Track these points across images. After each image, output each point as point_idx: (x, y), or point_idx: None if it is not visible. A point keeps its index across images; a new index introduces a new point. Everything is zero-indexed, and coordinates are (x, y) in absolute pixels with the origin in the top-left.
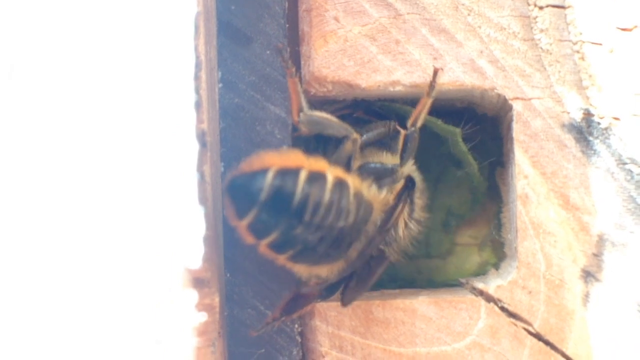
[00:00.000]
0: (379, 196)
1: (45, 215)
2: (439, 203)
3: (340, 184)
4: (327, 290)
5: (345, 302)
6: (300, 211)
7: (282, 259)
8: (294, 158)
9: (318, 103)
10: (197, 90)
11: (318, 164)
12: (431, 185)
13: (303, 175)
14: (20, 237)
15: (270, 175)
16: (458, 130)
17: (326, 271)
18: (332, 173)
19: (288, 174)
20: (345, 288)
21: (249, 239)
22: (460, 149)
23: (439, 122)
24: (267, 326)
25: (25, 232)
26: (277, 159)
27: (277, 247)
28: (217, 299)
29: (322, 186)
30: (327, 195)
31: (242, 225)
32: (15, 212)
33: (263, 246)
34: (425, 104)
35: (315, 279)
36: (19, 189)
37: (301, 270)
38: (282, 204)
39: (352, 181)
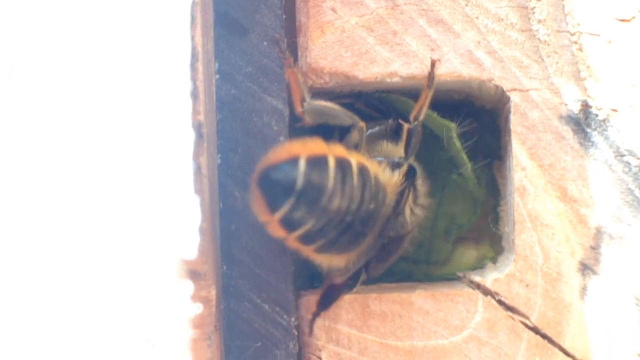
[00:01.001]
0: (391, 179)
1: (43, 208)
2: (443, 210)
3: (362, 169)
4: (351, 282)
5: (373, 275)
6: (332, 197)
7: (309, 251)
8: (317, 146)
9: (315, 95)
10: (194, 81)
11: (339, 150)
12: (437, 192)
13: (332, 162)
14: (16, 233)
15: (302, 164)
16: (453, 126)
17: (345, 260)
18: (354, 158)
19: (317, 161)
20: (366, 268)
21: (280, 233)
22: (454, 147)
23: (435, 115)
24: (312, 326)
25: (23, 227)
26: (302, 148)
27: (308, 238)
28: (213, 292)
29: (350, 171)
30: (355, 180)
31: (274, 219)
32: (14, 209)
33: (292, 239)
34: (427, 97)
35: (336, 269)
36: (18, 187)
37: (324, 261)
38: (317, 192)
39: (371, 165)
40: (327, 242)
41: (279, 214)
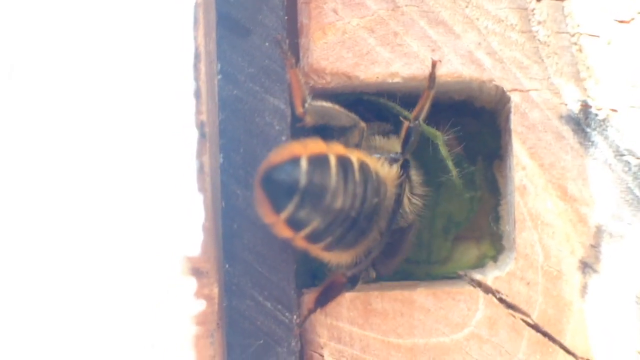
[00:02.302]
0: (390, 173)
1: (44, 208)
2: (440, 209)
3: (363, 165)
4: (352, 281)
5: (384, 273)
6: (336, 195)
7: (317, 249)
8: (316, 145)
9: (316, 95)
10: (197, 81)
11: (338, 148)
12: (434, 191)
13: (333, 160)
14: (17, 233)
15: (304, 163)
16: (439, 134)
17: (353, 256)
18: (354, 155)
19: (319, 160)
20: (374, 266)
21: (287, 234)
22: (440, 155)
23: (422, 123)
24: (305, 320)
25: (24, 227)
26: (302, 148)
27: (315, 237)
28: (216, 290)
29: (351, 168)
30: (357, 176)
31: (279, 220)
32: (15, 209)
33: (300, 238)
34: (428, 97)
35: (343, 265)
36: (19, 186)
37: (332, 258)
38: (320, 190)
39: (370, 161)
40: (334, 240)
41: (284, 215)
